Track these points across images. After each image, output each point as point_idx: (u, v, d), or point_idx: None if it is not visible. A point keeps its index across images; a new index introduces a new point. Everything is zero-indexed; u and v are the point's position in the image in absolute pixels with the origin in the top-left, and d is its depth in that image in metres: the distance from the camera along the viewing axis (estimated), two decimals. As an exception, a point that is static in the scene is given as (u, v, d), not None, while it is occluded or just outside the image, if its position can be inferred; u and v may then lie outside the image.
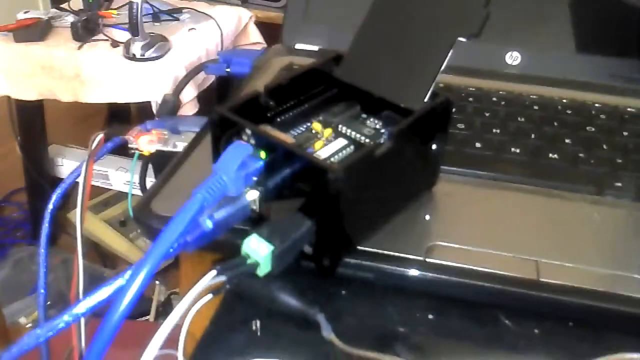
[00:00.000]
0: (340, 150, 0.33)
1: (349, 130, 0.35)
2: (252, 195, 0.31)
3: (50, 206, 0.47)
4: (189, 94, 1.19)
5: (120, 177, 1.43)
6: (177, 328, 0.32)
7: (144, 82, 1.20)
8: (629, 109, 0.47)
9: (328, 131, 0.35)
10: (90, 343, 0.28)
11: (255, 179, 0.31)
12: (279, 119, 0.35)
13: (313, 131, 0.35)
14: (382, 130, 0.35)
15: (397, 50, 0.35)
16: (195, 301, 0.27)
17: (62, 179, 0.46)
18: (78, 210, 0.44)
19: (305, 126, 0.36)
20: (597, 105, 0.48)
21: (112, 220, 1.48)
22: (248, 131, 0.31)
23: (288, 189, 0.31)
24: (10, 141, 1.43)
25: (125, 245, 1.44)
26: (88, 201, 0.46)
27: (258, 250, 0.29)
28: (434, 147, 0.35)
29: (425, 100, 0.34)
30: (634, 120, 0.46)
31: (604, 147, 0.43)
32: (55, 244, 1.39)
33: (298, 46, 0.56)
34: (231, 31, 1.41)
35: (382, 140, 0.31)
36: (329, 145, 0.34)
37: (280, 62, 0.52)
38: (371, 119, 0.36)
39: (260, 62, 0.52)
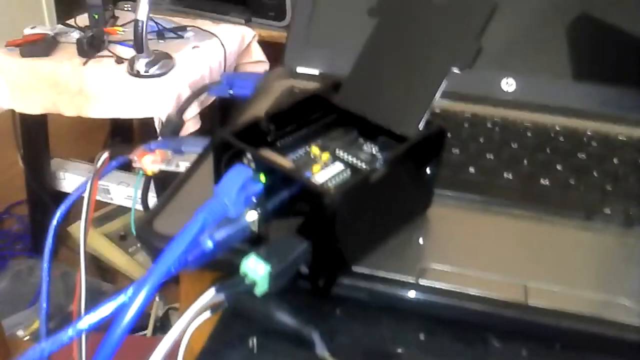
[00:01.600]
0: (337, 174, 0.34)
1: (346, 155, 0.36)
2: (252, 217, 0.32)
3: (55, 222, 0.48)
4: (192, 111, 1.21)
5: (122, 191, 1.45)
6: (176, 344, 0.33)
7: (147, 99, 1.22)
8: (620, 137, 0.49)
9: (326, 155, 0.36)
10: (91, 359, 0.29)
11: (255, 200, 0.32)
12: (279, 143, 0.36)
13: (312, 155, 0.36)
14: (378, 156, 0.36)
15: (393, 78, 0.37)
16: (194, 318, 0.28)
17: (64, 192, 0.47)
18: (82, 228, 0.45)
19: (304, 150, 0.37)
20: (589, 132, 0.49)
21: (112, 234, 1.49)
22: (249, 155, 0.32)
23: (286, 211, 0.32)
24: (12, 154, 1.45)
25: (124, 259, 1.45)
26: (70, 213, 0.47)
27: (256, 270, 0.30)
28: (428, 171, 0.36)
29: (420, 127, 0.35)
30: (624, 148, 0.47)
31: (595, 174, 0.44)
32: (55, 257, 1.40)
33: (299, 69, 0.57)
34: (234, 49, 1.43)
35: (377, 166, 0.32)
36: (326, 169, 0.35)
37: (281, 85, 0.53)
38: (368, 144, 0.37)
39: (261, 85, 0.54)
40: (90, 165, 1.46)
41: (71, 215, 1.50)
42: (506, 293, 0.33)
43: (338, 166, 0.35)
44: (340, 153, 0.36)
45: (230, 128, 0.34)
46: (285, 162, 0.33)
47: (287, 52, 0.58)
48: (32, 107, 1.28)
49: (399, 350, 0.33)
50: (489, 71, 0.56)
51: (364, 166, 0.35)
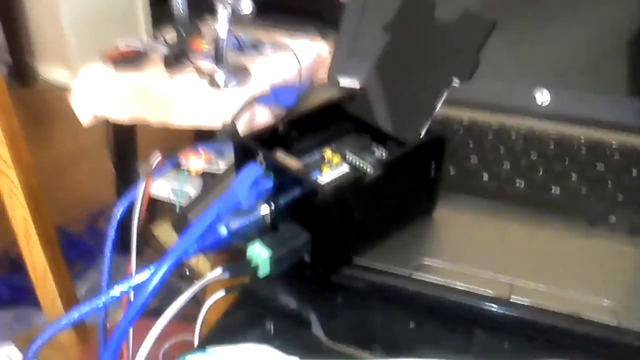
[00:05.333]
0: (341, 176, 0.38)
1: (355, 158, 0.40)
2: (265, 210, 0.36)
3: (118, 215, 0.55)
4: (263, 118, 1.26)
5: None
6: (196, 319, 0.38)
7: (226, 109, 1.30)
8: (646, 150, 0.50)
9: (337, 158, 0.40)
10: (121, 319, 0.34)
11: (268, 195, 0.37)
12: (296, 146, 0.41)
13: (324, 158, 0.41)
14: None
15: (400, 89, 0.40)
16: (199, 290, 0.33)
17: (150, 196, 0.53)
18: (134, 222, 0.51)
19: (319, 153, 0.41)
20: (613, 144, 0.50)
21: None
22: (261, 155, 0.37)
23: (293, 205, 0.36)
24: (104, 157, 1.58)
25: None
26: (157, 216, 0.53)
27: (260, 254, 0.34)
28: (430, 175, 0.40)
29: (421, 134, 0.38)
30: (647, 160, 0.48)
31: (609, 184, 0.45)
32: (139, 256, 1.50)
33: (342, 81, 0.61)
34: (309, 63, 1.49)
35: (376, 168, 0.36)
36: (333, 170, 0.39)
37: (320, 96, 0.58)
38: (378, 149, 0.41)
39: (303, 96, 0.59)
40: (174, 171, 1.57)
41: (155, 216, 1.61)
42: (491, 289, 0.36)
43: (344, 168, 0.39)
44: (350, 157, 0.40)
45: (252, 132, 0.39)
46: (292, 162, 0.38)
47: (332, 63, 0.63)
48: (122, 116, 1.40)
49: (388, 335, 0.36)
50: (523, 83, 0.57)
51: (368, 169, 0.39)
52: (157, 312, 0.35)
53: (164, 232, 1.59)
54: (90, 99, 1.40)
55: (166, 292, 0.41)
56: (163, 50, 1.43)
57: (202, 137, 1.76)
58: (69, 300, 1.05)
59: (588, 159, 0.48)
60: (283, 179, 0.36)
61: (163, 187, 1.40)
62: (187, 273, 1.42)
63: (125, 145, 1.55)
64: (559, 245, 0.40)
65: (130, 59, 1.40)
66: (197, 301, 0.39)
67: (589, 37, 0.57)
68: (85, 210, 1.85)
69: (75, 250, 1.68)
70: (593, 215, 0.42)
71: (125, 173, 1.56)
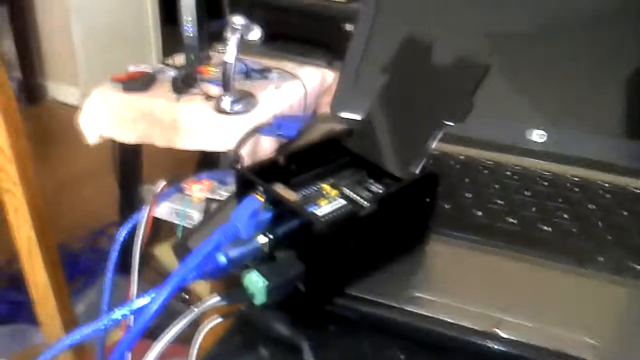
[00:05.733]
0: (338, 209, 0.40)
1: (352, 193, 0.42)
2: (262, 240, 0.38)
3: (120, 238, 0.56)
4: (266, 146, 1.29)
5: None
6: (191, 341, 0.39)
7: (231, 134, 1.32)
8: (636, 190, 0.51)
9: (335, 192, 0.42)
10: (120, 343, 0.36)
11: (267, 226, 0.38)
12: (294, 180, 0.42)
13: (322, 192, 0.42)
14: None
15: (397, 128, 0.42)
16: (195, 317, 0.35)
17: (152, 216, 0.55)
18: (137, 244, 0.53)
19: (317, 187, 0.43)
20: (606, 184, 0.52)
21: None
22: (260, 188, 0.39)
23: (290, 236, 0.38)
24: (110, 177, 1.60)
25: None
26: (171, 236, 0.54)
27: (257, 283, 0.36)
28: (423, 210, 0.41)
29: (416, 171, 0.40)
30: (636, 201, 0.50)
31: (599, 224, 0.47)
32: (140, 278, 1.51)
33: (343, 114, 0.63)
34: (315, 90, 1.52)
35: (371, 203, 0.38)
36: (330, 204, 0.40)
37: (321, 129, 0.60)
38: (375, 185, 0.43)
39: (305, 127, 0.60)
40: (178, 194, 1.58)
41: (158, 237, 1.62)
42: (480, 323, 0.37)
43: (341, 202, 0.41)
44: (346, 191, 0.42)
45: (252, 165, 0.41)
46: (291, 195, 0.39)
47: (335, 96, 0.65)
48: (128, 137, 1.42)
49: (378, 366, 0.37)
50: (521, 122, 0.59)
51: (365, 203, 0.41)
52: (154, 333, 0.36)
53: (165, 252, 1.61)
54: (98, 119, 1.42)
55: (164, 314, 0.43)
56: (171, 73, 1.46)
57: (206, 160, 1.78)
58: (68, 320, 1.06)
59: (580, 198, 0.50)
60: (281, 211, 0.38)
61: (166, 208, 1.42)
62: (186, 297, 1.42)
63: (130, 166, 1.57)
64: (547, 282, 0.41)
65: (138, 81, 1.43)
66: (194, 323, 0.40)
67: (583, 77, 0.59)
68: (87, 228, 1.87)
69: (75, 268, 1.69)
70: (582, 254, 0.43)
71: (129, 193, 1.57)
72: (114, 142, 1.47)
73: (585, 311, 0.39)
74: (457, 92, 0.40)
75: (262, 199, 0.38)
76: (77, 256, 1.75)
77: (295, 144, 0.55)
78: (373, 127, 0.43)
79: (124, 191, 1.58)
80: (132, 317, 0.47)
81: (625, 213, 0.48)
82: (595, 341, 0.36)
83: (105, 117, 1.42)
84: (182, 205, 1.52)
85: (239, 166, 0.40)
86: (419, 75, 0.43)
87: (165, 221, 1.40)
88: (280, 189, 0.39)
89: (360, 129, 0.44)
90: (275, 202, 0.38)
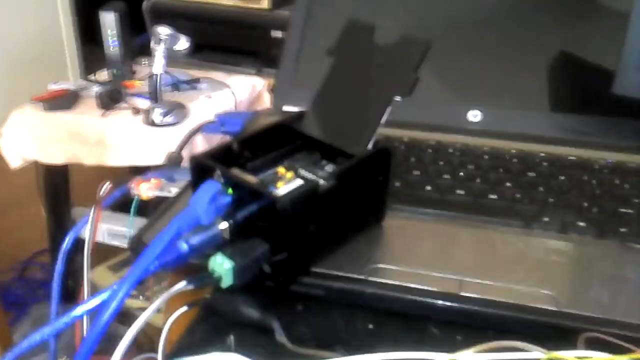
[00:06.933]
0: (296, 188, 0.40)
1: (307, 173, 0.42)
2: (223, 225, 0.38)
3: (65, 246, 0.54)
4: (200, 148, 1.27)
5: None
6: (159, 335, 0.38)
7: (162, 146, 1.30)
8: (569, 158, 0.54)
9: (290, 174, 0.42)
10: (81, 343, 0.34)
11: (227, 210, 0.38)
12: (250, 165, 0.42)
13: (278, 174, 0.42)
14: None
15: (346, 107, 0.43)
16: (162, 304, 0.34)
17: (84, 239, 0.53)
18: (86, 251, 0.51)
19: (272, 170, 0.43)
20: (542, 154, 0.54)
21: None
22: (218, 172, 0.38)
23: (251, 219, 0.38)
24: (36, 204, 1.53)
25: (141, 304, 1.50)
26: (105, 259, 0.53)
27: (222, 265, 0.35)
28: (378, 186, 0.42)
29: (369, 147, 0.41)
30: (572, 167, 0.52)
31: (541, 189, 0.49)
32: (75, 301, 1.46)
33: (285, 108, 0.64)
34: (245, 98, 1.51)
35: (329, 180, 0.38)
36: (288, 184, 0.41)
37: (265, 122, 0.60)
38: (329, 165, 0.43)
39: (249, 122, 0.60)
40: (110, 212, 1.54)
41: (93, 261, 1.57)
42: (442, 286, 0.38)
43: (298, 182, 0.41)
44: (302, 172, 0.42)
45: (206, 151, 0.41)
46: (249, 178, 0.39)
47: (276, 92, 0.65)
48: (55, 158, 1.37)
49: (349, 337, 0.37)
50: (457, 104, 0.61)
51: (322, 181, 0.41)
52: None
53: (101, 276, 1.55)
54: (19, 141, 1.36)
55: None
56: (96, 89, 1.42)
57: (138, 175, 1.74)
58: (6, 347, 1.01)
59: (520, 168, 0.52)
60: (241, 193, 0.38)
61: (100, 230, 1.38)
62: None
63: (58, 189, 1.51)
64: (500, 244, 0.43)
65: (60, 99, 1.38)
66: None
67: (512, 60, 0.62)
68: (15, 259, 1.78)
69: (5, 300, 1.61)
70: (528, 216, 0.46)
71: (59, 217, 1.51)
72: (38, 164, 1.41)
73: (538, 266, 0.41)
74: (402, 67, 0.42)
75: (221, 183, 0.38)
76: (6, 288, 1.67)
77: (247, 130, 0.55)
78: (323, 109, 0.44)
79: (53, 215, 1.52)
80: (86, 321, 0.46)
81: (562, 178, 0.51)
82: (551, 291, 0.38)
83: (28, 138, 1.36)
84: (113, 221, 1.48)
85: (196, 154, 0.40)
86: (363, 55, 0.44)
87: (98, 245, 1.35)
88: (238, 173, 0.39)
89: (311, 111, 0.44)
90: (234, 185, 0.38)
